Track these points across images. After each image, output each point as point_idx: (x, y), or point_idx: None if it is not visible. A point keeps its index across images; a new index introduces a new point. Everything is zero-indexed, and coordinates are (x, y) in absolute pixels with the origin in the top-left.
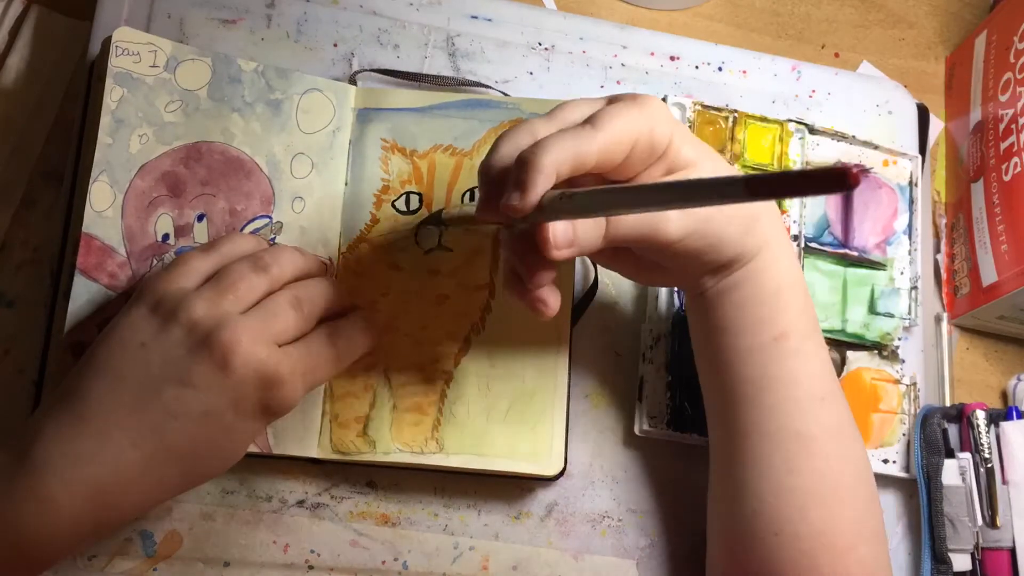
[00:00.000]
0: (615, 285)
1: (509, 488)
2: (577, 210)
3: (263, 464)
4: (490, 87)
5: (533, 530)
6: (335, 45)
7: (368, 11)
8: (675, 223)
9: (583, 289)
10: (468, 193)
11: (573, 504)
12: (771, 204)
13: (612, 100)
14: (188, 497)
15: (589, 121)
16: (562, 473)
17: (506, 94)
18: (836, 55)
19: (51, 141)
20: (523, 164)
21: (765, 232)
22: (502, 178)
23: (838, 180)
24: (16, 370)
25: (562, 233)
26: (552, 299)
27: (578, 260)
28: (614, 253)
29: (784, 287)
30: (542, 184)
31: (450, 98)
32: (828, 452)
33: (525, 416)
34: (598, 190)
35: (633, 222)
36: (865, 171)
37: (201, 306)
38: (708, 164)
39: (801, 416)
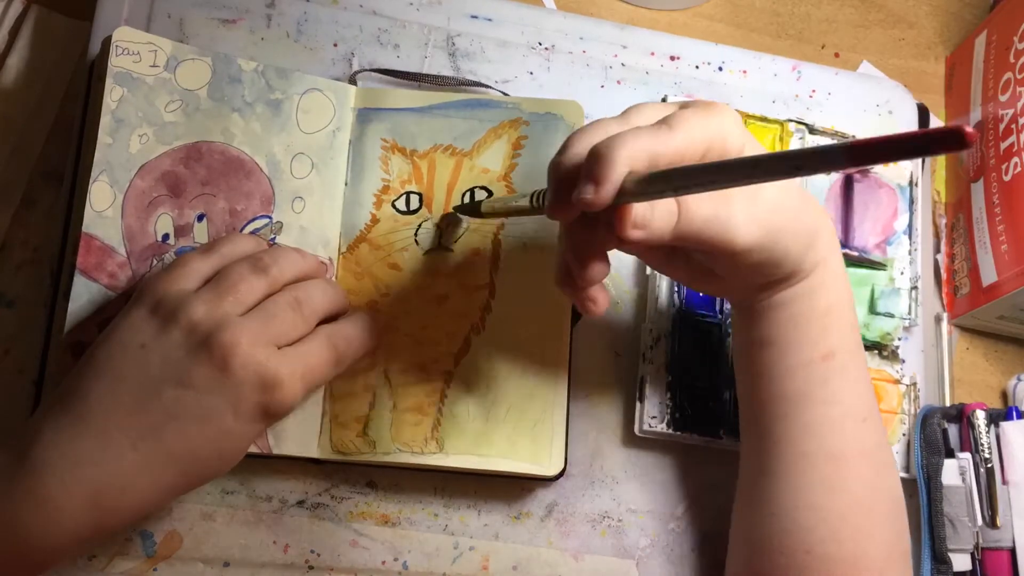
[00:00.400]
0: (616, 285)
1: (509, 488)
2: (661, 186)
3: (263, 464)
4: (490, 87)
5: (533, 530)
6: (335, 45)
7: (368, 11)
8: (744, 232)
9: None
10: (468, 193)
11: (573, 504)
12: (829, 222)
13: (685, 105)
14: (188, 497)
15: (664, 122)
16: (562, 473)
17: (506, 94)
18: (836, 55)
19: (51, 141)
20: (598, 157)
21: (824, 249)
22: (574, 174)
23: (951, 140)
24: (16, 370)
25: (641, 212)
26: (602, 297)
27: None
28: (670, 256)
29: (835, 306)
30: (617, 177)
31: (450, 98)
32: (865, 475)
33: (525, 416)
34: (684, 167)
35: (705, 222)
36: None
37: (201, 308)
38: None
39: (841, 437)
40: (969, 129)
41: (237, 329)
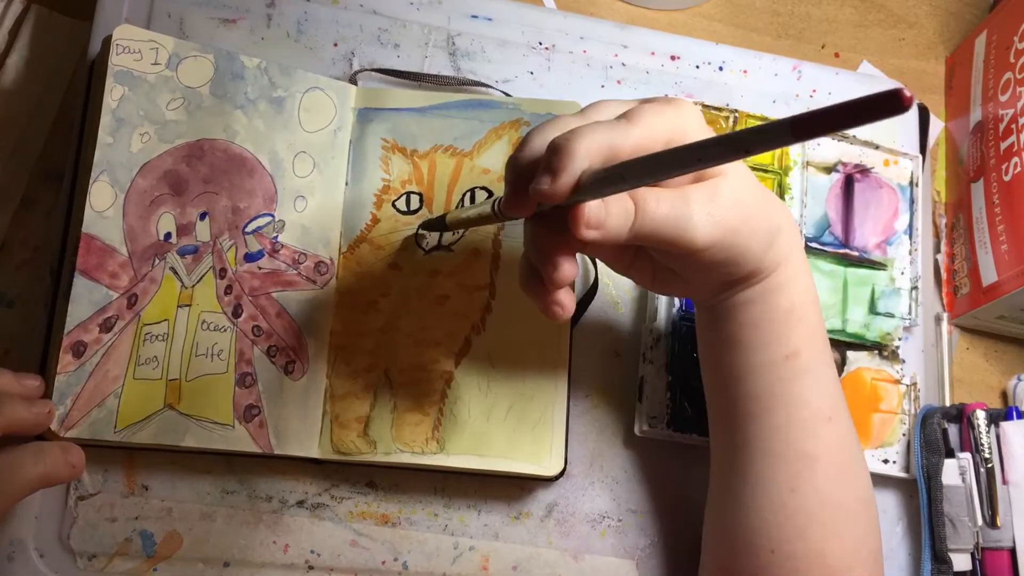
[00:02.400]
0: (615, 286)
1: (509, 488)
2: (614, 180)
3: (263, 464)
4: (491, 87)
5: (533, 530)
6: (335, 44)
7: (368, 10)
8: (702, 230)
9: (583, 289)
10: (468, 193)
11: (573, 504)
12: (791, 219)
13: (645, 101)
14: (188, 497)
15: (623, 116)
16: (562, 473)
17: (507, 94)
18: (836, 55)
19: (51, 141)
20: (556, 149)
21: (785, 248)
22: (531, 169)
23: (889, 103)
24: (16, 370)
25: (595, 211)
26: (568, 301)
27: (580, 260)
28: (632, 260)
29: (798, 305)
30: (575, 169)
31: (450, 98)
32: (831, 473)
33: (525, 416)
34: (633, 159)
35: (662, 221)
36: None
37: None
38: (740, 175)
39: (807, 436)
40: (907, 92)
41: None
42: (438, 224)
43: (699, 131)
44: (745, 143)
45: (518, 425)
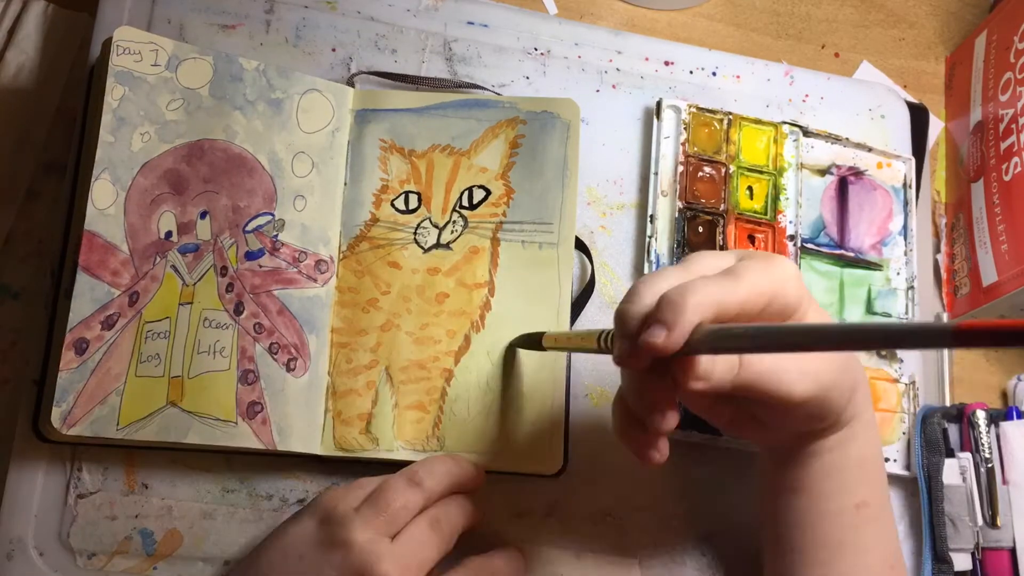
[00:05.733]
0: (614, 285)
1: (510, 486)
2: (737, 343)
3: (263, 463)
4: (486, 88)
5: (534, 529)
6: (333, 50)
7: (366, 17)
8: (800, 385)
9: (580, 286)
10: (467, 192)
11: (574, 503)
12: (865, 375)
13: (745, 256)
14: (188, 495)
15: (729, 272)
16: (563, 470)
17: (500, 95)
18: (836, 55)
19: (53, 132)
20: (669, 303)
21: (861, 402)
22: (642, 323)
23: None
24: (23, 361)
25: (704, 363)
26: (665, 447)
27: (577, 258)
28: (713, 403)
29: (868, 456)
30: (687, 324)
31: (447, 98)
32: None
33: (525, 414)
34: (762, 327)
35: (764, 373)
36: None
37: (358, 529)
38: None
39: None
40: None
41: (386, 560)
42: (532, 343)
43: (796, 289)
44: (886, 336)
45: (518, 422)
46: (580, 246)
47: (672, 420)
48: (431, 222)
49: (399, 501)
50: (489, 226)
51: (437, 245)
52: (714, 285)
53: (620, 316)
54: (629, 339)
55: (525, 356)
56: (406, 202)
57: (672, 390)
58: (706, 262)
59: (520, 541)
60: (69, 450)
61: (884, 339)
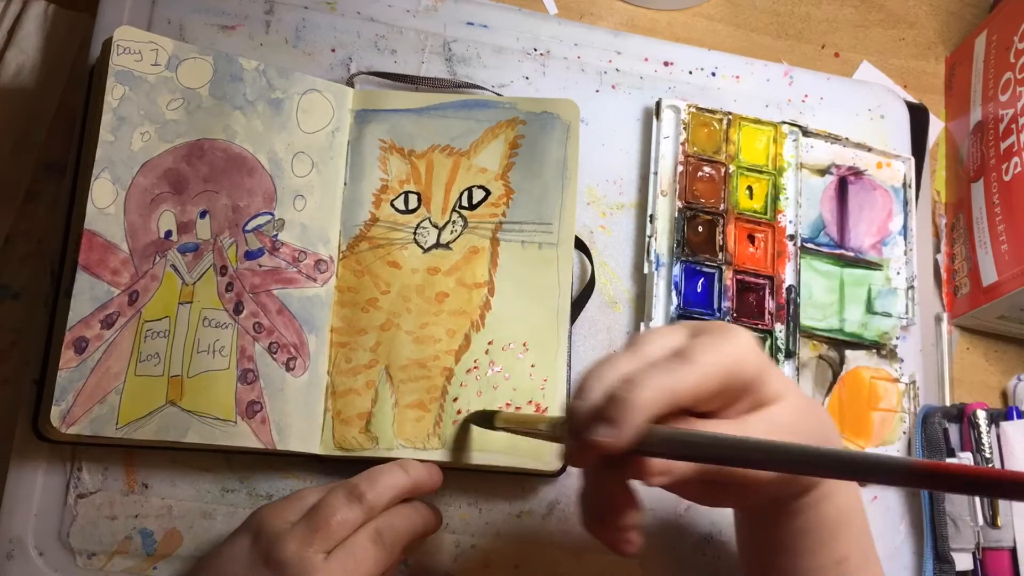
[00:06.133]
0: (614, 285)
1: (511, 486)
2: (691, 453)
3: (263, 462)
4: (485, 88)
5: (535, 528)
6: (333, 50)
7: (366, 17)
8: None
9: (580, 286)
10: (466, 192)
11: (574, 502)
12: (837, 430)
13: (697, 331)
14: (188, 495)
15: (680, 355)
16: (564, 469)
17: (500, 95)
18: (836, 55)
19: (53, 132)
20: (615, 400)
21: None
22: (593, 417)
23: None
24: (23, 361)
25: (661, 461)
26: (636, 537)
27: (576, 257)
28: (681, 483)
29: (845, 512)
30: (637, 421)
31: (447, 99)
32: None
33: (526, 412)
34: (714, 438)
35: None
36: None
37: (291, 546)
38: (794, 399)
39: None
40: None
41: None
42: (484, 421)
43: (754, 362)
44: (838, 465)
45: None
46: (580, 246)
47: (635, 515)
48: (431, 222)
49: (337, 516)
50: (489, 226)
51: (437, 245)
52: (664, 374)
53: (570, 413)
54: (577, 437)
55: (526, 356)
56: (406, 202)
57: (628, 485)
58: (656, 343)
59: (520, 541)
60: (69, 450)
61: (839, 467)
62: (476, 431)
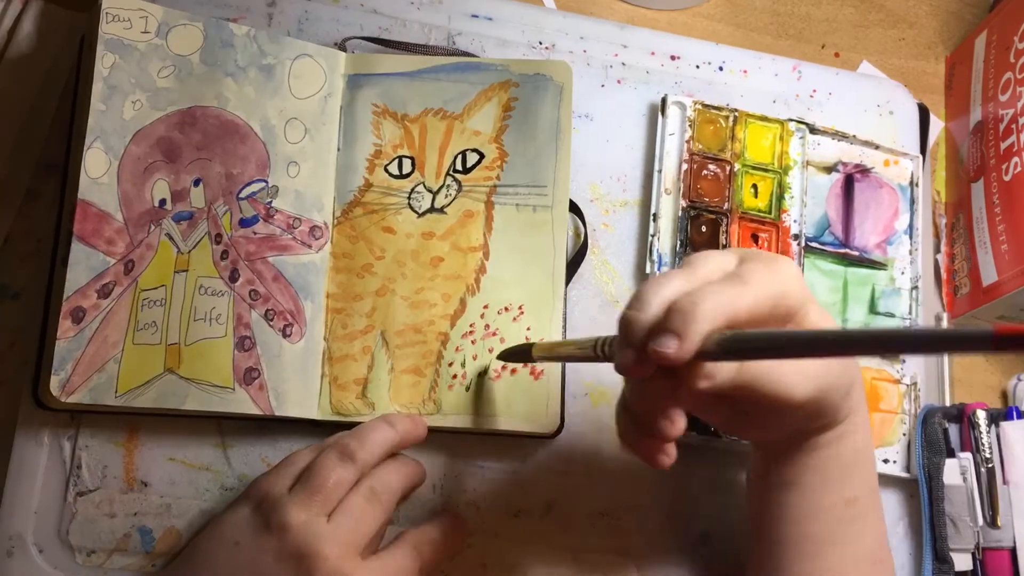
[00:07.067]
0: (616, 283)
1: (509, 485)
2: (748, 349)
3: (263, 461)
4: (475, 55)
5: (532, 528)
6: (336, 44)
7: (369, 9)
8: (800, 387)
9: (574, 247)
10: (460, 155)
11: (572, 502)
12: (860, 373)
13: (746, 257)
14: (187, 493)
15: (736, 277)
16: (559, 431)
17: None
18: (836, 55)
19: (52, 132)
20: (680, 312)
21: (856, 399)
22: (650, 330)
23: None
24: (21, 362)
25: (709, 364)
26: (674, 450)
27: (571, 220)
28: (713, 403)
29: (861, 452)
30: (702, 331)
31: (440, 62)
32: None
33: (521, 375)
34: (774, 333)
35: (764, 374)
36: None
37: (292, 511)
38: (830, 328)
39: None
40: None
41: (323, 540)
42: (522, 355)
43: (799, 291)
44: (923, 342)
45: (514, 384)
46: (573, 209)
47: (680, 424)
48: (425, 186)
49: (332, 478)
50: (483, 190)
51: (431, 209)
52: (723, 292)
53: (626, 324)
54: (636, 348)
55: (520, 319)
56: (400, 167)
57: (675, 393)
58: (710, 264)
59: (518, 541)
60: (70, 447)
61: (907, 343)
62: (475, 395)
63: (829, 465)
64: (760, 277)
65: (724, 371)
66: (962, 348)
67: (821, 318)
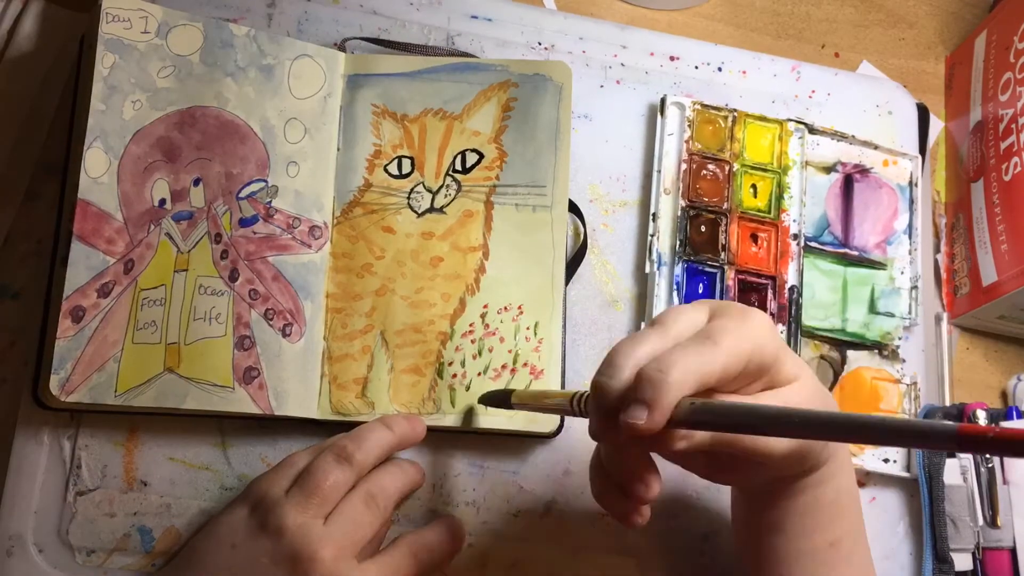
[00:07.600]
0: (616, 283)
1: (509, 486)
2: (718, 422)
3: (262, 461)
4: (475, 56)
5: (532, 527)
6: (335, 44)
7: (368, 10)
8: (779, 443)
9: (574, 247)
10: (459, 155)
11: (572, 502)
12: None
13: (716, 311)
14: (187, 493)
15: (706, 336)
16: (559, 430)
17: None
18: (836, 55)
19: (52, 134)
20: (649, 381)
21: (835, 444)
22: (621, 396)
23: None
24: (21, 362)
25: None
26: (647, 512)
27: (570, 219)
28: (691, 454)
29: (843, 494)
30: (671, 403)
31: (439, 62)
32: None
33: (520, 375)
34: (750, 408)
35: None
36: None
37: (289, 513)
38: (807, 381)
39: None
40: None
41: (319, 543)
42: (500, 401)
43: (773, 345)
44: (887, 434)
45: (514, 384)
46: (572, 209)
47: (655, 488)
48: (424, 186)
49: (329, 480)
50: (482, 190)
51: (431, 209)
52: (694, 356)
53: (597, 390)
54: (606, 413)
55: (520, 319)
56: (399, 167)
57: (648, 455)
58: (681, 322)
59: (518, 540)
60: (69, 447)
61: (882, 434)
62: (475, 395)
63: (811, 509)
64: (731, 337)
65: (700, 431)
66: (927, 444)
67: (796, 368)
